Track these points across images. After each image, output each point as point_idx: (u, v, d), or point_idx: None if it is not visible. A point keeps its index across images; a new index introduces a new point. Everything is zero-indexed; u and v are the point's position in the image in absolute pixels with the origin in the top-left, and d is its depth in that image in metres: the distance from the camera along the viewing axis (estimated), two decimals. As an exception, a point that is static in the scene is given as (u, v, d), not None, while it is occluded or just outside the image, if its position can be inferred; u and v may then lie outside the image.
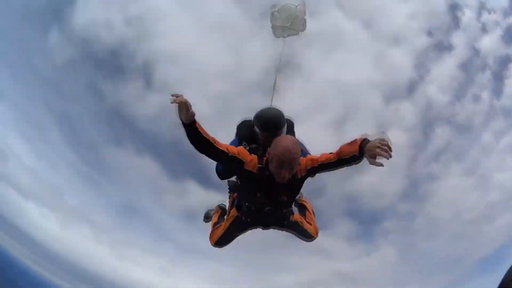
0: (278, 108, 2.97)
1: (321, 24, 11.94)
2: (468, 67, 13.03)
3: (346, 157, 2.48)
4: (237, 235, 3.18)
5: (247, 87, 12.22)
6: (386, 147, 2.26)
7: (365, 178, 12.39)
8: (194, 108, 2.24)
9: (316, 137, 11.82)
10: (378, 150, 2.25)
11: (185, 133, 2.33)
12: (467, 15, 12.90)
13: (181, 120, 2.29)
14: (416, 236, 12.16)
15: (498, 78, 13.80)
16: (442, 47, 12.60)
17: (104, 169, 13.31)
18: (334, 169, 2.61)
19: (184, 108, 2.24)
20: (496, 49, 13.69)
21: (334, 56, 11.85)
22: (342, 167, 2.58)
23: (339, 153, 2.53)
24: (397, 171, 12.39)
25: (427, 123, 12.65)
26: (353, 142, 2.44)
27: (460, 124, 12.73)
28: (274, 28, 3.79)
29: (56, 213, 13.09)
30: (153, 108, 12.53)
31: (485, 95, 13.03)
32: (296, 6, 3.63)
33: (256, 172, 2.56)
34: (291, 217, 3.05)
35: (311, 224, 3.34)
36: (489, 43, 13.74)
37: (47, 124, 12.85)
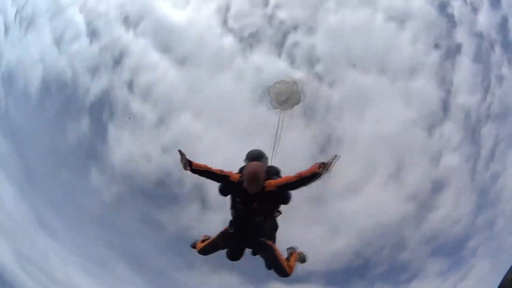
0: (260, 150, 3.90)
1: (344, 90, 12.19)
2: (480, 56, 12.58)
3: (308, 175, 3.20)
4: (221, 246, 3.77)
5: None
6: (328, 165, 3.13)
7: (436, 215, 12.56)
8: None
9: (380, 197, 12.40)
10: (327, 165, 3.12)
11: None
12: (456, 7, 12.43)
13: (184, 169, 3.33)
14: (502, 238, 12.19)
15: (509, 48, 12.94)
16: (452, 51, 12.48)
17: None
18: (299, 187, 3.33)
19: (183, 164, 3.31)
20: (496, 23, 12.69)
21: (365, 114, 11.96)
22: (305, 185, 3.27)
23: (301, 174, 3.25)
24: (462, 191, 12.44)
25: (472, 130, 12.55)
26: (312, 166, 3.21)
27: (497, 113, 12.46)
28: (270, 101, 4.18)
29: None
30: (216, 225, 12.05)
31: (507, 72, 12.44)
32: (292, 83, 4.07)
33: (237, 182, 3.39)
34: (265, 238, 3.61)
35: (286, 260, 3.82)
36: (486, 19, 12.65)
37: (110, 259, 12.66)
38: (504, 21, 12.39)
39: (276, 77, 4.03)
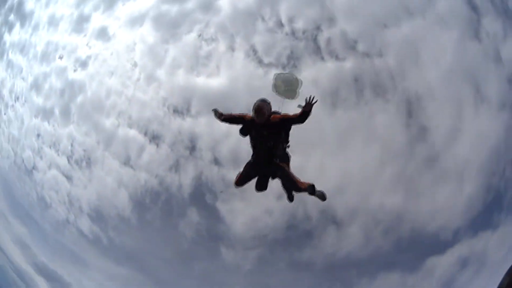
0: (264, 98, 4.60)
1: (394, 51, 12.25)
2: None
3: (301, 115, 4.15)
4: (249, 175, 4.66)
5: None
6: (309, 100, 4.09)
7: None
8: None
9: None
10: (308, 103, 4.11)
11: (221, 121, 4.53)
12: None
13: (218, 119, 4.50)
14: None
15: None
16: None
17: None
18: (295, 123, 4.27)
19: (216, 113, 4.47)
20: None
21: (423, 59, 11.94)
22: (303, 121, 4.17)
23: (296, 114, 4.21)
24: None
25: None
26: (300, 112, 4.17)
27: None
28: (274, 86, 4.85)
29: None
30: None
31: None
32: (296, 78, 4.78)
33: (250, 119, 4.40)
34: (277, 160, 4.54)
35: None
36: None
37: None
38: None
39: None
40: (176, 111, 12.54)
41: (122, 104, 13.29)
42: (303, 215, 12.76)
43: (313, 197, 4.57)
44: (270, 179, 4.78)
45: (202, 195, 12.91)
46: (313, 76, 11.78)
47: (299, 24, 12.06)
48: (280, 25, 12.15)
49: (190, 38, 12.31)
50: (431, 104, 12.46)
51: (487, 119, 12.27)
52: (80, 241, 15.80)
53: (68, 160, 15.24)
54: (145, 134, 13.01)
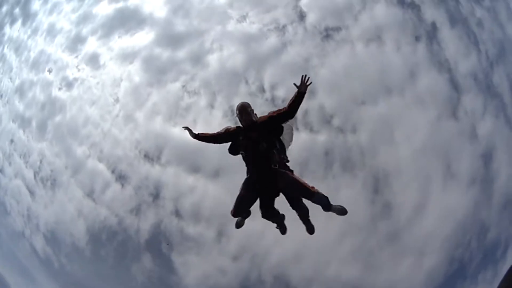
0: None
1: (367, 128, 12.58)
2: None
3: (294, 100, 3.72)
4: (250, 196, 4.00)
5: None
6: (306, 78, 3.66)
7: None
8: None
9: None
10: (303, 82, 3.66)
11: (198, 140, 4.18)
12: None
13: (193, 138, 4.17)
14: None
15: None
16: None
17: None
18: (292, 115, 3.80)
19: (189, 132, 4.16)
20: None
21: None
22: (296, 110, 3.75)
23: (289, 104, 3.78)
24: None
25: None
26: (294, 93, 3.73)
27: None
28: None
29: None
30: None
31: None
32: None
33: (236, 129, 4.04)
34: (276, 165, 3.89)
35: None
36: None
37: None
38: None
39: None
40: (147, 157, 12.45)
41: (97, 136, 13.17)
42: (257, 279, 12.61)
43: (329, 212, 3.84)
44: (274, 197, 4.12)
45: (158, 243, 12.71)
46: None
47: (280, 92, 12.19)
48: (262, 90, 12.27)
49: (174, 87, 12.36)
50: (398, 181, 12.60)
51: (455, 194, 12.46)
52: (32, 257, 15.37)
53: (35, 176, 14.95)
54: (113, 171, 12.85)
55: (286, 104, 3.82)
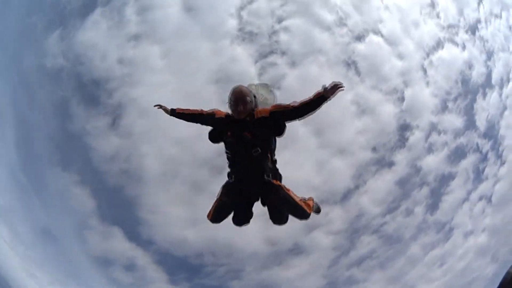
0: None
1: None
2: (405, 184, 15.14)
3: (312, 99, 2.97)
4: (228, 205, 3.27)
5: (198, 162, 13.71)
6: (339, 85, 2.94)
7: (285, 273, 14.35)
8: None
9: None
10: (335, 85, 2.94)
11: (178, 119, 3.44)
12: (416, 136, 15.12)
13: (170, 115, 3.44)
14: None
15: (436, 195, 15.35)
16: (384, 163, 14.91)
17: (39, 185, 12.99)
18: (301, 115, 3.07)
19: (164, 110, 3.44)
20: (439, 168, 15.34)
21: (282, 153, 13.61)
22: (309, 111, 3.04)
23: (302, 102, 3.04)
24: (317, 271, 14.54)
25: (354, 231, 14.72)
26: (316, 93, 3.00)
27: (388, 235, 14.85)
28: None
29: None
30: (110, 149, 13.18)
31: (419, 209, 15.07)
32: (271, 90, 3.75)
33: (224, 117, 3.20)
34: (270, 176, 3.15)
35: (303, 200, 3.32)
36: (433, 162, 15.33)
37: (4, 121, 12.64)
38: (450, 176, 14.99)
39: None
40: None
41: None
42: (113, 89, 12.75)
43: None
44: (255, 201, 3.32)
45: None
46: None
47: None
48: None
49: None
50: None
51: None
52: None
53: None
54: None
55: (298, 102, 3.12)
